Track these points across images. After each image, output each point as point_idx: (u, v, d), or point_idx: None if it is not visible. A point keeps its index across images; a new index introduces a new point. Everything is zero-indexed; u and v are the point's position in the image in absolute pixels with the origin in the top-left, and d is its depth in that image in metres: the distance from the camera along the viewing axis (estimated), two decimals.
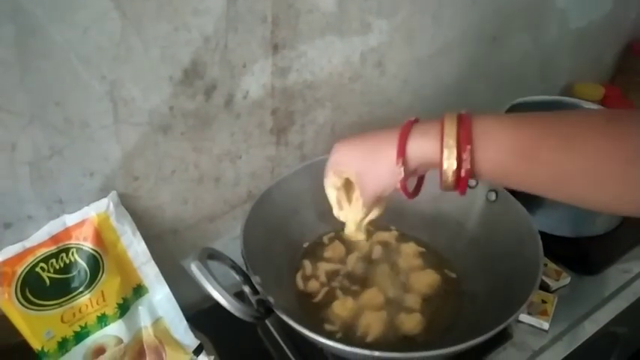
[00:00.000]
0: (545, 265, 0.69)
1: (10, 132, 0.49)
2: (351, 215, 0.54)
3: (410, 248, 0.67)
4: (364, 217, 0.54)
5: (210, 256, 0.50)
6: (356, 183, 0.49)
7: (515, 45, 0.92)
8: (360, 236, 0.56)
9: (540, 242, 0.54)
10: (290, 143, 0.71)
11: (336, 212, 0.55)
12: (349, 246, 0.67)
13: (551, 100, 0.83)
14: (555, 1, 0.93)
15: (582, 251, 0.71)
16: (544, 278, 0.67)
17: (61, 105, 0.51)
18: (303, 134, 0.72)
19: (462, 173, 0.41)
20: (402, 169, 0.44)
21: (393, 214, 0.69)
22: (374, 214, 0.54)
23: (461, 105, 0.88)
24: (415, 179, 0.50)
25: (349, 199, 0.54)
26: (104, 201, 0.57)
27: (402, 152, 0.43)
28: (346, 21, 0.67)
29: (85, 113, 0.52)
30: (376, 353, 0.44)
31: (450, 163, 0.41)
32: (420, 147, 0.43)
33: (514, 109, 0.78)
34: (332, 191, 0.53)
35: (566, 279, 0.68)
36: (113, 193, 0.58)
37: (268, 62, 0.62)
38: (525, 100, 0.80)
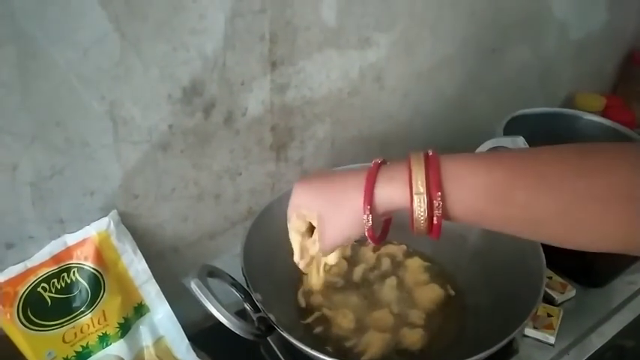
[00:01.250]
0: (550, 278, 0.68)
1: (11, 153, 0.49)
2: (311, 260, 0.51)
3: (415, 263, 0.66)
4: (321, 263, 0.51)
5: (210, 273, 0.49)
6: (317, 228, 0.46)
7: (515, 57, 0.93)
8: (319, 280, 0.53)
9: (543, 254, 0.54)
10: (290, 159, 0.71)
11: (296, 258, 0.51)
12: (352, 260, 0.67)
13: (552, 111, 0.83)
14: (554, 12, 0.94)
15: (587, 263, 0.70)
16: (549, 291, 0.66)
17: (61, 125, 0.51)
18: (303, 150, 0.72)
19: (435, 220, 0.39)
20: (370, 217, 0.41)
21: (395, 229, 0.69)
22: (332, 259, 0.51)
23: (462, 118, 0.90)
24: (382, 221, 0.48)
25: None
26: (105, 220, 0.57)
27: (368, 200, 0.41)
28: (344, 36, 0.67)
29: (85, 133, 0.53)
30: None
31: (421, 211, 0.39)
32: (388, 194, 0.41)
33: (514, 120, 0.78)
34: (296, 236, 0.49)
35: (571, 292, 0.67)
36: (113, 212, 0.58)
37: (267, 79, 0.63)
38: (525, 112, 0.80)
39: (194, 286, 0.45)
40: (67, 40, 0.48)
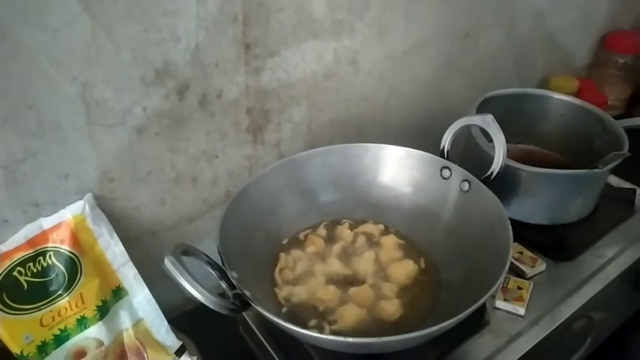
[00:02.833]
0: (521, 252, 0.70)
1: None
2: None
3: (390, 240, 0.67)
4: None
5: (185, 252, 0.50)
6: None
7: (489, 40, 0.94)
8: None
9: (510, 228, 0.55)
10: (267, 142, 0.72)
11: None
12: (328, 241, 0.68)
13: (523, 92, 0.85)
14: None
15: (557, 238, 0.72)
16: (520, 265, 0.68)
17: (33, 108, 0.51)
18: (280, 132, 0.73)
19: None
20: None
21: (372, 209, 0.71)
22: None
23: (437, 100, 0.91)
24: None
25: None
26: (80, 203, 0.57)
27: None
28: (318, 19, 0.68)
29: (58, 116, 0.53)
30: (350, 339, 0.45)
31: None
32: None
33: (487, 102, 0.79)
34: None
35: (541, 265, 0.69)
36: (89, 195, 0.58)
37: (241, 61, 0.63)
38: (498, 93, 0.82)
39: (168, 262, 0.46)
40: (36, 21, 0.48)
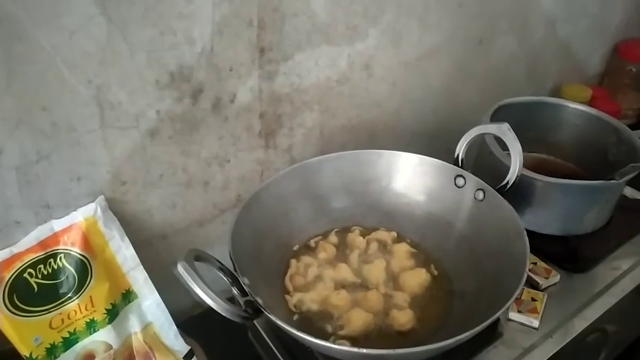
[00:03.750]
0: (535, 263, 0.69)
1: None
2: None
3: (402, 248, 0.66)
4: None
5: (198, 257, 0.49)
6: None
7: (502, 47, 0.93)
8: None
9: (526, 238, 0.54)
10: (279, 146, 0.72)
11: None
12: (339, 247, 0.67)
13: (537, 100, 0.84)
14: (541, 3, 0.95)
15: (571, 249, 0.71)
16: (534, 277, 0.67)
17: (47, 110, 0.51)
18: (292, 137, 0.72)
19: None
20: None
21: (384, 216, 0.70)
22: None
23: (449, 107, 0.90)
24: None
25: None
26: (92, 206, 0.57)
27: None
28: (332, 24, 0.67)
29: (72, 118, 0.53)
30: (364, 350, 0.44)
31: None
32: None
33: (501, 110, 0.78)
34: None
35: (555, 277, 0.68)
36: (100, 198, 0.58)
37: (255, 66, 0.63)
38: (511, 102, 0.81)
39: (180, 268, 0.45)
40: (52, 24, 0.48)
